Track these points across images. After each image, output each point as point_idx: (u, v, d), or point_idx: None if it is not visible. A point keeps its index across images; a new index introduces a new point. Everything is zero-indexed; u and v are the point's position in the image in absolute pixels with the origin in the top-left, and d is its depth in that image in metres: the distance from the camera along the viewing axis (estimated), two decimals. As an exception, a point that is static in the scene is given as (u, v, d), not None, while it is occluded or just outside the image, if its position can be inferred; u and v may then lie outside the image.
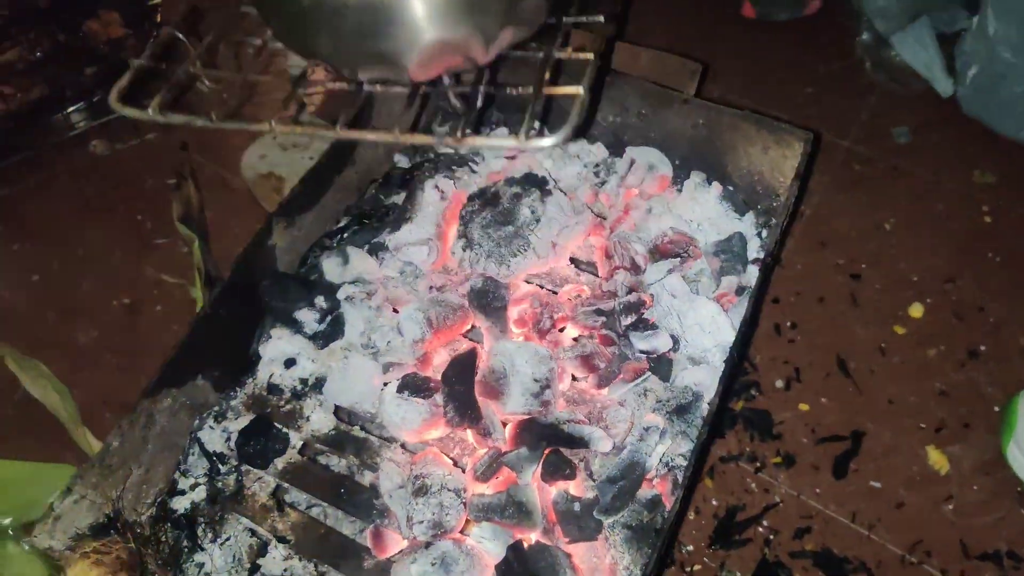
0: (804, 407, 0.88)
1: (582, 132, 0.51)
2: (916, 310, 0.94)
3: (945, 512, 0.81)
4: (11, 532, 0.77)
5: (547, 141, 0.49)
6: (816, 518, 0.82)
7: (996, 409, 0.86)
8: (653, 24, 1.20)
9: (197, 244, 0.91)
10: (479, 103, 0.53)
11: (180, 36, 0.62)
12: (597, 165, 0.78)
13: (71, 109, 1.09)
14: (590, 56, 0.54)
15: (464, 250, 0.68)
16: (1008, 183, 1.03)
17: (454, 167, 0.74)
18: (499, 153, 0.74)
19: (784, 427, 0.87)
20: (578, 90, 0.51)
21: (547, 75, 0.53)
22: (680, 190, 0.76)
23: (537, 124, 0.60)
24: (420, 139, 0.55)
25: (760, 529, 0.82)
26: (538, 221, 0.67)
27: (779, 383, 0.90)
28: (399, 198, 0.75)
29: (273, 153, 1.10)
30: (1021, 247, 0.98)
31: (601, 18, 0.59)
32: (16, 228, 1.06)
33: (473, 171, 0.75)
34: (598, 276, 0.71)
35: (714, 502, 0.83)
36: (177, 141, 1.11)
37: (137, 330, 0.98)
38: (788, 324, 0.94)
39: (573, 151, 0.76)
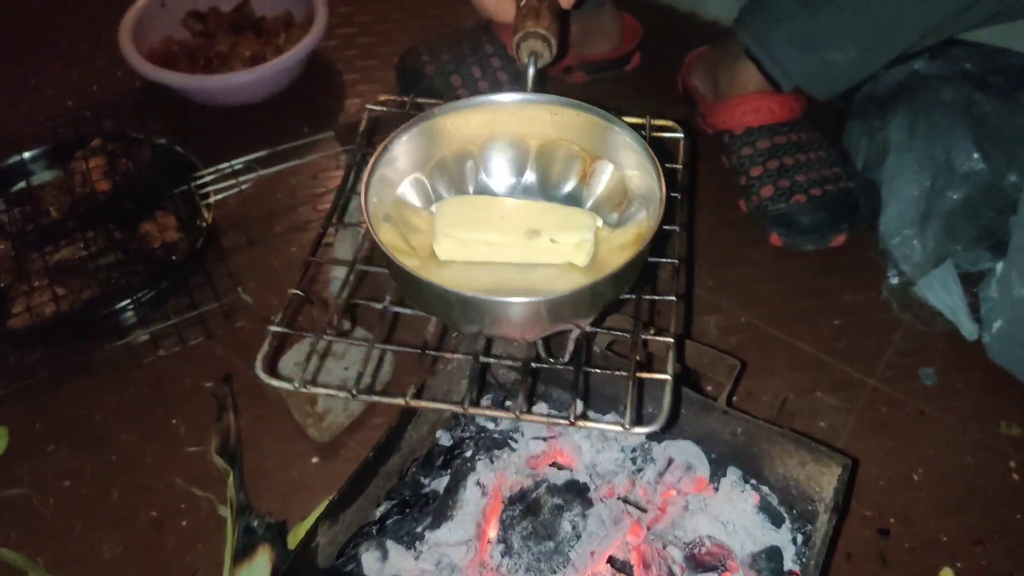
0: None
1: (674, 419, 0.57)
2: (947, 575, 0.93)
3: None
4: None
5: (647, 429, 0.53)
6: None
7: None
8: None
9: (232, 478, 0.93)
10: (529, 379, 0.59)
11: (305, 297, 0.68)
12: (634, 450, 0.79)
13: (118, 308, 1.13)
14: (670, 340, 0.58)
15: (503, 556, 0.68)
16: (1036, 439, 1.03)
17: (494, 448, 0.76)
18: (538, 432, 0.76)
19: None
20: (666, 377, 0.55)
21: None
22: (717, 488, 0.78)
23: (580, 404, 0.63)
24: (494, 412, 0.59)
25: None
26: (579, 537, 0.68)
27: (808, 651, 0.88)
28: (439, 483, 0.77)
29: (310, 362, 1.13)
30: (1051, 513, 0.97)
31: (674, 297, 0.62)
32: (56, 430, 1.08)
33: (512, 450, 0.77)
34: (632, 578, 0.71)
35: None
36: (218, 347, 1.14)
37: (162, 547, 0.98)
38: (817, 583, 0.93)
39: (610, 435, 0.78)
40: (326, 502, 0.73)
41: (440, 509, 0.73)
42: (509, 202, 0.67)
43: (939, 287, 1.14)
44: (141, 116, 1.38)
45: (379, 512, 0.74)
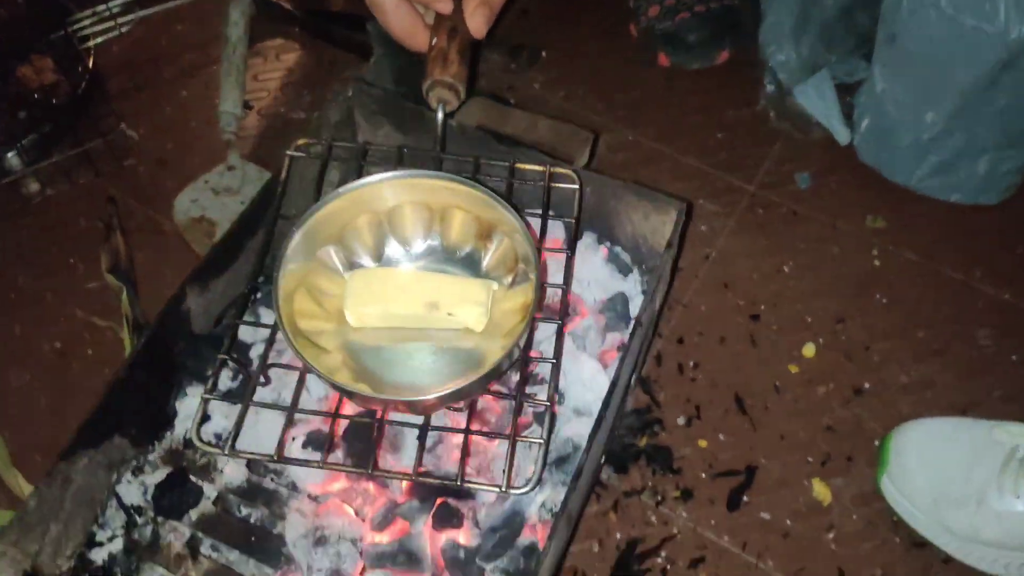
0: (703, 443, 0.95)
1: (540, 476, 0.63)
2: (809, 350, 1.01)
3: (827, 541, 0.88)
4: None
5: (520, 491, 0.60)
6: (710, 549, 0.88)
7: (876, 443, 0.93)
8: (573, 75, 1.26)
9: (125, 293, 0.95)
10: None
11: (232, 360, 0.68)
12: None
13: (3, 154, 1.11)
14: (546, 403, 0.63)
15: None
16: (896, 228, 1.11)
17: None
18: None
19: (684, 462, 0.94)
20: (540, 441, 0.61)
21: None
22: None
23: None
24: (393, 475, 0.67)
25: (659, 560, 0.88)
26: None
27: (681, 420, 0.96)
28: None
29: (205, 197, 1.14)
30: (905, 289, 1.05)
31: (553, 360, 0.66)
32: (-53, 273, 1.08)
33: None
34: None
35: (617, 535, 0.89)
36: (108, 187, 1.14)
37: (68, 373, 1.01)
38: (691, 364, 1.00)
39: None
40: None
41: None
42: (409, 275, 0.71)
43: (814, 94, 1.18)
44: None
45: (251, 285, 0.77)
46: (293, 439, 0.73)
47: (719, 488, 0.92)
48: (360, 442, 0.71)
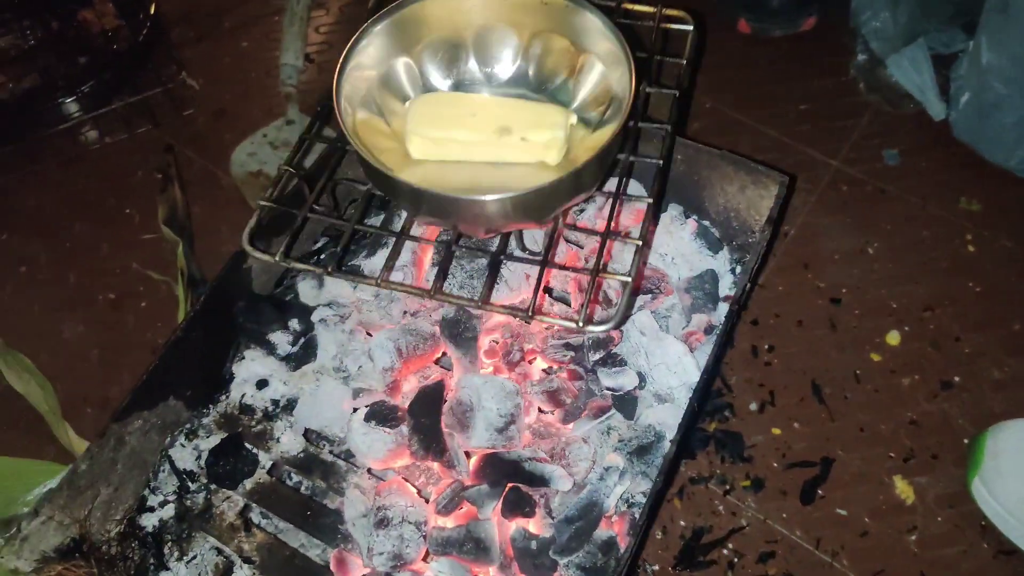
0: (776, 431, 0.90)
1: (626, 316, 0.58)
2: (893, 338, 0.95)
3: (908, 543, 0.83)
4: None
5: (600, 328, 0.54)
6: (781, 543, 0.83)
7: (965, 442, 0.87)
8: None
9: (181, 247, 0.92)
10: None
11: (294, 173, 0.67)
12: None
13: (63, 100, 1.09)
14: (638, 242, 0.58)
15: (437, 279, 0.68)
16: (993, 212, 1.03)
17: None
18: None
19: (755, 450, 0.89)
20: (627, 279, 0.56)
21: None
22: (656, 222, 0.77)
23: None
24: (457, 300, 0.62)
25: (725, 552, 0.83)
26: (511, 254, 0.68)
27: (753, 406, 0.91)
28: (377, 220, 0.76)
29: (263, 151, 1.11)
30: (1001, 279, 0.98)
31: (645, 193, 0.62)
32: (4, 218, 1.07)
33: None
34: (571, 308, 0.72)
35: (682, 523, 0.85)
36: (167, 137, 1.11)
37: (122, 326, 0.99)
38: (766, 347, 0.95)
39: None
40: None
41: (376, 239, 0.72)
42: (481, 98, 0.65)
43: (909, 65, 1.10)
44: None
45: (317, 246, 0.74)
46: (355, 411, 0.69)
47: (792, 480, 0.87)
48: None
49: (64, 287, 1.02)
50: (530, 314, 0.56)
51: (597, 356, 0.64)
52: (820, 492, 0.86)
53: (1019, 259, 1.00)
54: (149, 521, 0.67)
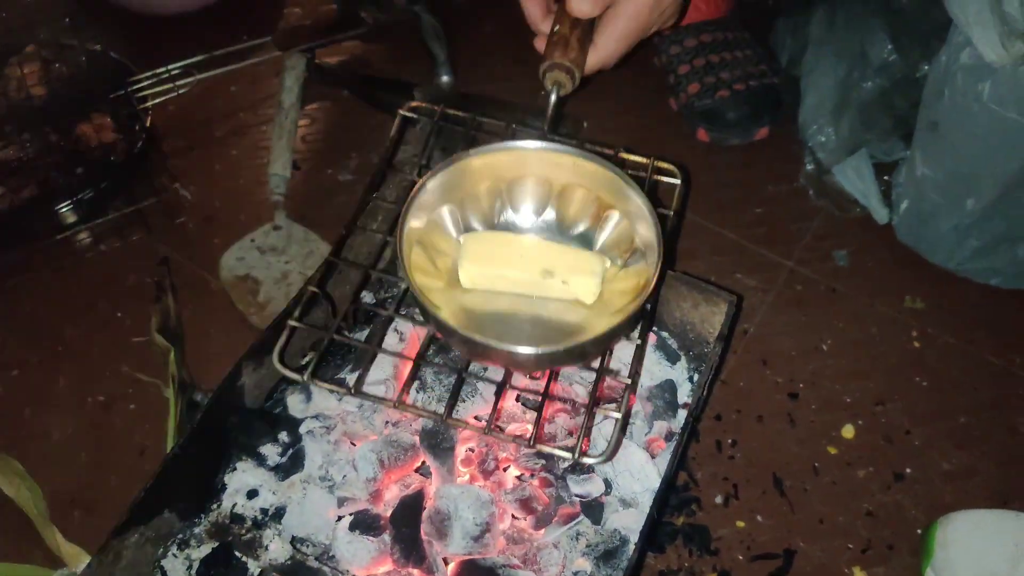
0: (740, 524, 0.94)
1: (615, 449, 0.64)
2: (848, 431, 1.01)
3: (867, 633, 0.87)
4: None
5: (593, 461, 0.60)
6: (748, 635, 0.87)
7: (918, 532, 0.92)
8: (613, 143, 1.28)
9: (173, 354, 0.96)
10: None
11: (319, 293, 0.73)
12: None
13: (59, 209, 1.15)
14: (627, 381, 0.65)
15: (418, 391, 0.74)
16: (936, 310, 1.10)
17: (413, 306, 0.80)
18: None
19: (721, 543, 0.93)
20: (617, 415, 0.62)
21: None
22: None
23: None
24: (469, 424, 0.67)
25: (695, 645, 0.86)
26: (486, 369, 0.73)
27: (718, 499, 0.96)
28: (362, 335, 0.81)
29: (251, 256, 1.16)
30: (945, 373, 1.05)
31: (638, 340, 0.69)
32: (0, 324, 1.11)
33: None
34: (543, 416, 0.77)
35: (653, 616, 0.88)
36: (159, 244, 1.17)
37: (111, 428, 1.02)
38: (729, 441, 1.00)
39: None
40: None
41: (361, 355, 0.78)
42: (528, 240, 0.73)
43: (853, 174, 1.19)
44: (75, 24, 1.37)
45: (304, 361, 0.79)
46: (340, 519, 0.73)
47: (757, 572, 0.91)
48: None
49: (54, 390, 1.06)
50: (532, 444, 0.62)
51: (566, 464, 0.69)
52: (784, 584, 0.90)
53: (962, 355, 1.07)
54: (142, 633, 0.70)
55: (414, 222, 0.67)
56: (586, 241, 0.73)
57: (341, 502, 0.73)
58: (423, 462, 0.75)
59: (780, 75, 1.30)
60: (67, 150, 1.18)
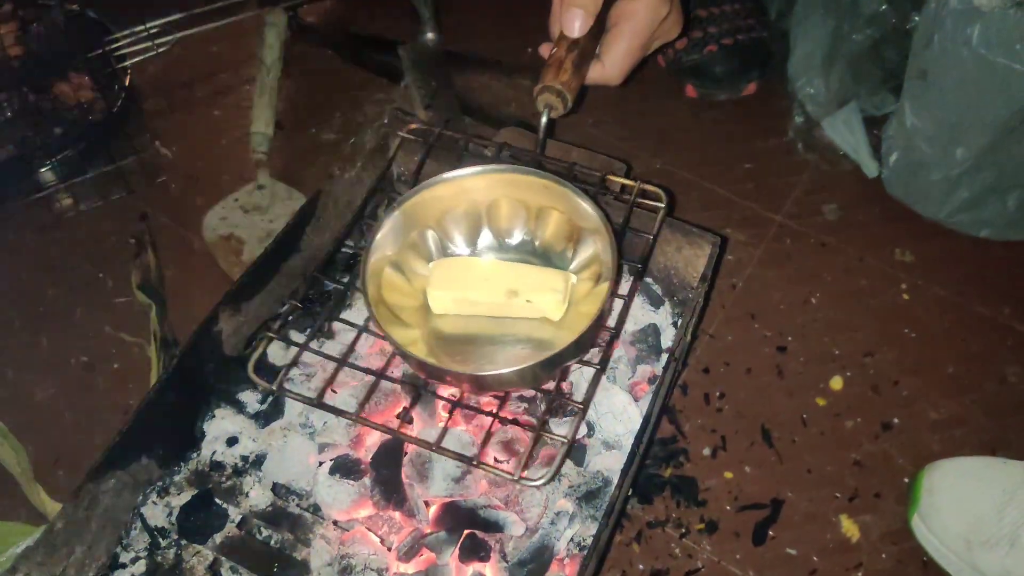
0: (729, 475, 0.94)
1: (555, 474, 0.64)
2: (836, 382, 1.00)
3: (854, 579, 0.87)
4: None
5: (534, 483, 0.60)
6: (735, 583, 0.87)
7: (905, 480, 0.92)
8: (603, 102, 1.27)
9: (154, 311, 0.95)
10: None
11: (298, 306, 0.73)
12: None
13: (38, 169, 1.13)
14: (580, 405, 0.64)
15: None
16: (925, 263, 1.10)
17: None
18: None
19: (709, 494, 0.93)
20: (564, 440, 0.62)
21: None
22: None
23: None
24: (417, 441, 0.66)
25: (682, 593, 0.87)
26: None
27: (706, 451, 0.95)
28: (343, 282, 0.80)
29: (234, 215, 1.15)
30: (934, 325, 1.04)
31: (598, 365, 0.68)
32: (-21, 286, 1.09)
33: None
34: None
35: (640, 566, 0.88)
36: (141, 203, 1.15)
37: (94, 388, 1.02)
38: (717, 394, 1.00)
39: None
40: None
41: (340, 299, 0.77)
42: (491, 264, 0.74)
43: (843, 127, 1.18)
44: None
45: (283, 309, 0.78)
46: (320, 464, 0.73)
47: (744, 521, 0.91)
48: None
49: (37, 351, 1.05)
50: (475, 463, 0.62)
51: (547, 406, 0.68)
52: (771, 533, 0.90)
53: (950, 306, 1.06)
54: (121, 578, 0.70)
55: (384, 249, 0.69)
56: (563, 262, 0.74)
57: (322, 448, 0.72)
58: (404, 407, 0.74)
59: (769, 29, 1.28)
60: (45, 110, 1.16)
